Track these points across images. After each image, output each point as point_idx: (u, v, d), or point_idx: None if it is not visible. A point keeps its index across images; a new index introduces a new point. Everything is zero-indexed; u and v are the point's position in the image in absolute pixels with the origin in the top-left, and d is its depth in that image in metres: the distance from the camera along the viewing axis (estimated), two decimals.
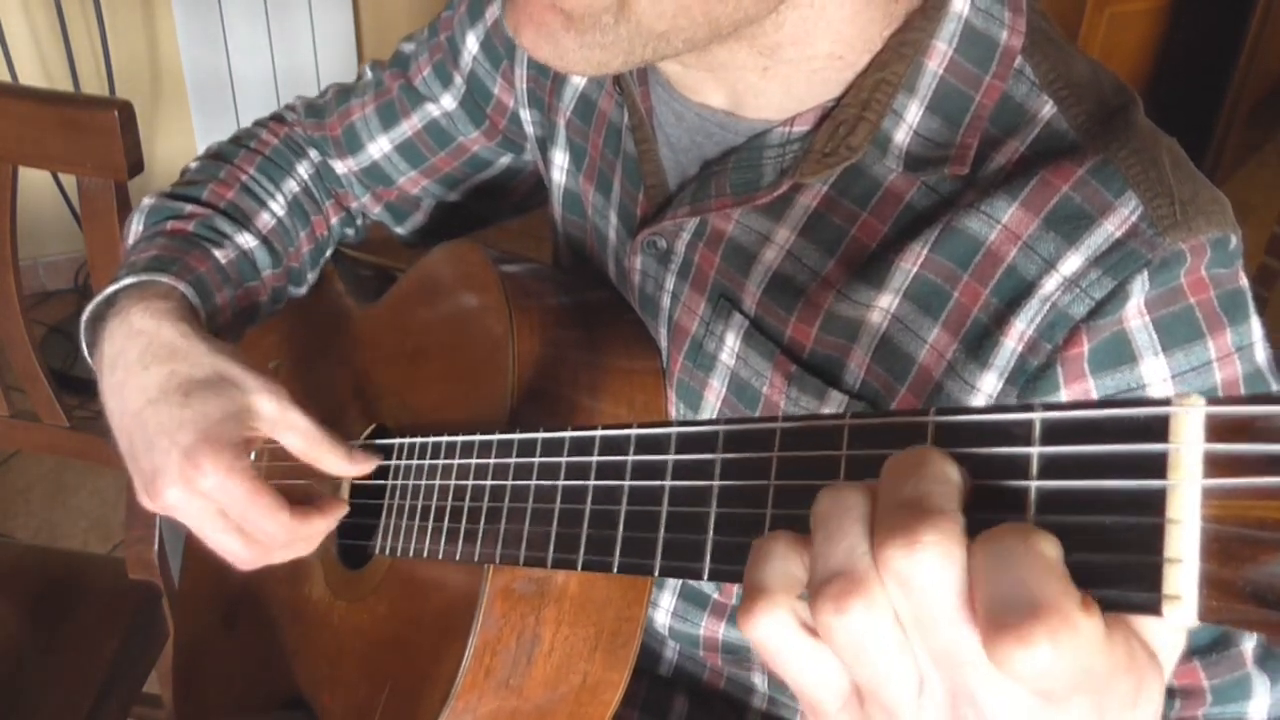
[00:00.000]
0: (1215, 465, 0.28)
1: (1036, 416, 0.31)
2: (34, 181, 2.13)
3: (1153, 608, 0.28)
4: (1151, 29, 2.75)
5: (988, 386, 0.55)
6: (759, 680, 0.73)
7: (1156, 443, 0.29)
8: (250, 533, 0.64)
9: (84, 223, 1.05)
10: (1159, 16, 2.74)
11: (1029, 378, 0.54)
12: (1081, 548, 0.30)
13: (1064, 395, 0.54)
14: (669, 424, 0.45)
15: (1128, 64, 2.71)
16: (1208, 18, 2.77)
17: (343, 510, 0.68)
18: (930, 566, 0.29)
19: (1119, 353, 0.53)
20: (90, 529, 1.98)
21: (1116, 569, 0.29)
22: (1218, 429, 0.28)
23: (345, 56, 2.51)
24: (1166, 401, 0.29)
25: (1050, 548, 0.29)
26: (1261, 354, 0.56)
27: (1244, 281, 0.56)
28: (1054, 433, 0.31)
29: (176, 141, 2.45)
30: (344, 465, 0.67)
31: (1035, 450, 0.31)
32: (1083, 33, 2.55)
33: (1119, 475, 0.30)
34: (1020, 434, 0.32)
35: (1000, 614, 0.28)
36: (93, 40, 2.27)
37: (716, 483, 0.42)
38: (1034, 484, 0.31)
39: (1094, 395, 0.54)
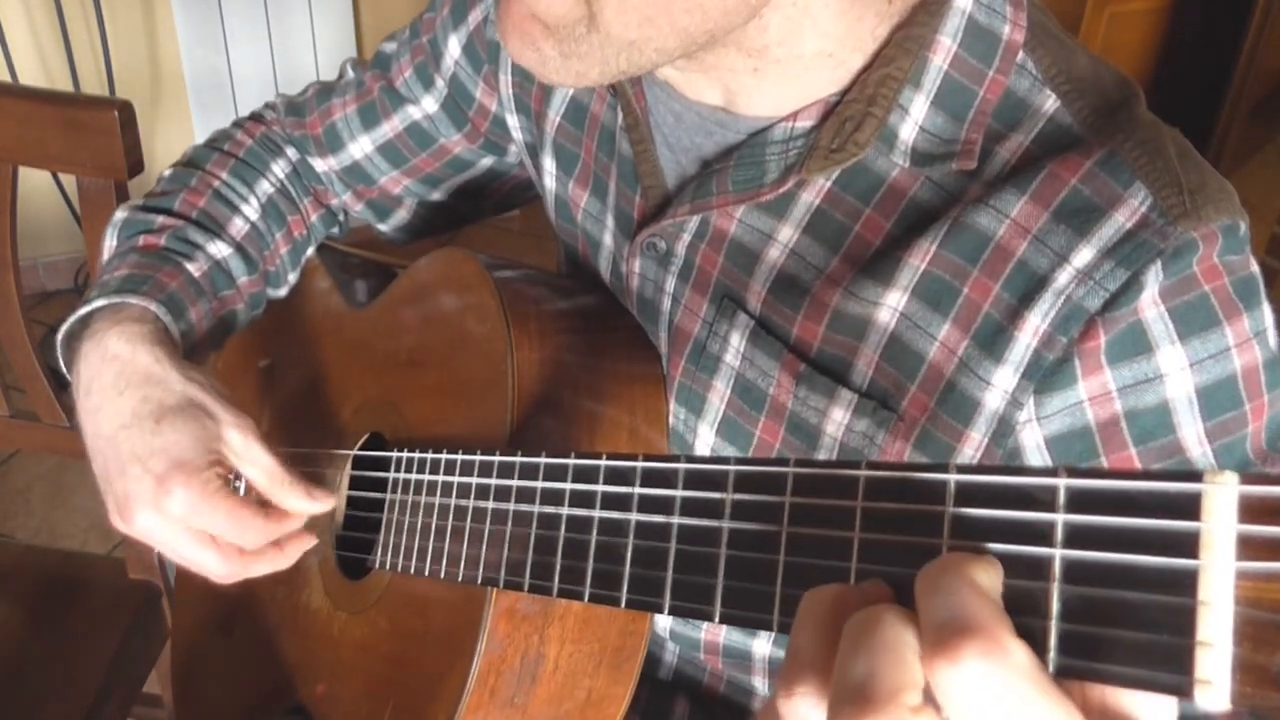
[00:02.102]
0: (1248, 547, 0.27)
1: (1061, 482, 0.31)
2: (34, 181, 2.13)
3: (1184, 691, 0.28)
4: (1151, 29, 2.75)
5: (1003, 382, 0.55)
6: (759, 684, 0.73)
7: (1188, 520, 0.28)
8: (236, 545, 0.66)
9: (84, 223, 1.05)
10: (1159, 16, 2.74)
11: (1045, 372, 0.54)
12: (1107, 623, 0.29)
13: (1082, 388, 0.54)
14: (677, 458, 0.44)
15: (1128, 64, 2.71)
16: (1208, 18, 2.78)
17: (310, 542, 0.70)
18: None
19: (1135, 343, 0.53)
20: (90, 529, 1.98)
21: (1145, 648, 0.29)
22: (1251, 510, 0.27)
23: (345, 56, 2.51)
24: (1199, 477, 0.28)
25: (983, 574, 0.30)
26: (1275, 340, 0.56)
27: (1255, 268, 0.56)
28: (1080, 501, 0.30)
29: (176, 141, 2.45)
30: (303, 504, 0.68)
31: (1060, 517, 0.31)
32: (1083, 33, 2.56)
33: (1148, 551, 0.29)
34: (1044, 499, 0.31)
35: (931, 636, 0.29)
36: (93, 40, 2.27)
37: (727, 524, 0.41)
38: (1058, 552, 0.31)
39: (1111, 387, 0.54)
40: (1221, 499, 0.28)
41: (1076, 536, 0.30)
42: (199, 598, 0.95)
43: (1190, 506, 0.28)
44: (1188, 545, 0.28)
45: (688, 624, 0.72)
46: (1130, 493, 0.29)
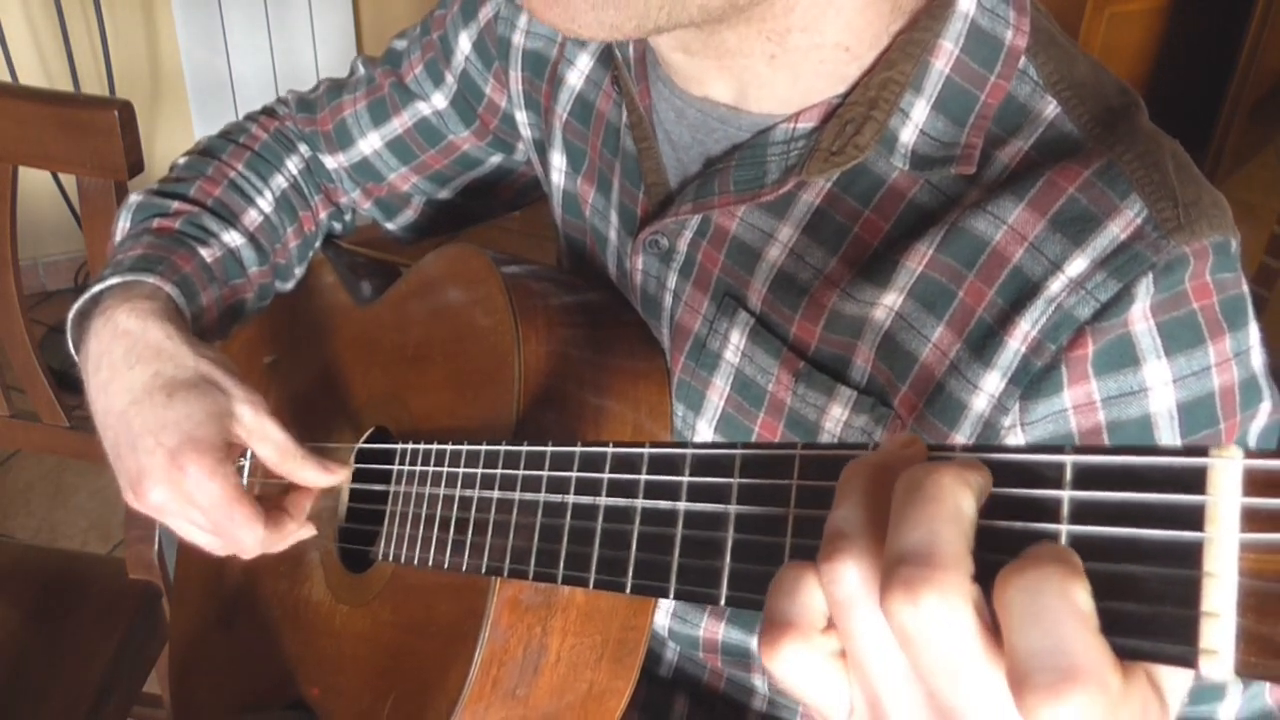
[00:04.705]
0: (1253, 519, 0.27)
1: (1068, 459, 0.31)
2: (34, 181, 2.13)
3: (1188, 661, 0.28)
4: (1151, 29, 2.75)
5: (990, 386, 0.55)
6: (759, 682, 0.73)
7: (1193, 494, 0.28)
8: (225, 538, 0.66)
9: (84, 223, 1.05)
10: (1159, 16, 2.74)
11: (1032, 378, 0.54)
12: (1114, 596, 0.29)
13: (1067, 396, 0.54)
14: (684, 445, 0.44)
15: (1128, 64, 2.72)
16: (1208, 18, 2.78)
17: (311, 530, 0.71)
18: (935, 622, 0.29)
19: (1123, 355, 0.53)
20: (90, 529, 1.98)
21: (1150, 620, 0.29)
22: (1255, 482, 0.28)
23: (345, 56, 2.51)
24: (1204, 451, 0.28)
25: (1086, 598, 0.29)
26: (1257, 359, 0.57)
27: (1244, 286, 0.56)
28: (1086, 477, 0.31)
29: (176, 141, 2.45)
30: (317, 477, 0.69)
31: (1066, 494, 0.31)
32: (1083, 33, 2.55)
33: (1154, 525, 0.29)
34: (1051, 476, 0.31)
35: (1033, 669, 0.28)
36: (93, 40, 2.27)
37: (733, 508, 0.41)
38: (1065, 528, 0.31)
39: (1096, 397, 0.54)
40: (1227, 473, 0.28)
41: (1083, 512, 0.31)
42: (198, 593, 0.95)
43: (1196, 481, 0.29)
44: (1193, 518, 0.28)
45: (686, 623, 0.72)
46: (1136, 468, 0.30)
